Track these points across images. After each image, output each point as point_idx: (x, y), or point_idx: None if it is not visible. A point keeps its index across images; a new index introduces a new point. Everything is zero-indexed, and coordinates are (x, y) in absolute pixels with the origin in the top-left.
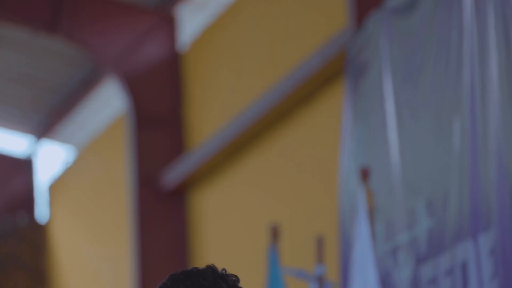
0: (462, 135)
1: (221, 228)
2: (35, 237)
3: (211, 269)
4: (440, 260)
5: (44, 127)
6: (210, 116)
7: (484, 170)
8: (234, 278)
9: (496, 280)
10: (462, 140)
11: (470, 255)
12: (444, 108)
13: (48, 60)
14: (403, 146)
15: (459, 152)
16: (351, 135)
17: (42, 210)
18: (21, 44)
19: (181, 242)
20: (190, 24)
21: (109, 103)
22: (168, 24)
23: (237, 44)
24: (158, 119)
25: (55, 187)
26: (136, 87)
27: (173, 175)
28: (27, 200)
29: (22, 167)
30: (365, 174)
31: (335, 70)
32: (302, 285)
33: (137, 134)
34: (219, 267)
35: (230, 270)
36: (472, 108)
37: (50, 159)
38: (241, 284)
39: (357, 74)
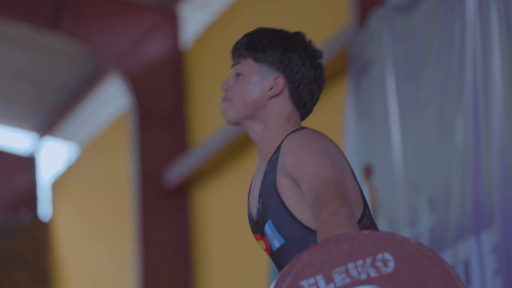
0: (465, 132)
1: (224, 225)
2: (38, 235)
3: (300, 33)
4: (443, 257)
5: (47, 124)
6: (213, 113)
7: (487, 168)
8: (318, 53)
9: (499, 278)
10: (464, 138)
11: (472, 252)
12: (446, 106)
13: (50, 58)
14: (405, 143)
15: (462, 149)
16: (353, 132)
17: (44, 208)
18: (23, 42)
19: (184, 240)
20: (192, 22)
21: (111, 100)
22: (171, 22)
23: None
24: (161, 116)
25: (57, 185)
26: (138, 85)
27: (176, 172)
28: (30, 198)
29: (25, 165)
30: (367, 172)
31: (338, 67)
32: None
33: (139, 132)
34: (222, 265)
35: (233, 267)
36: (474, 105)
37: (52, 157)
38: (243, 281)
39: (360, 72)
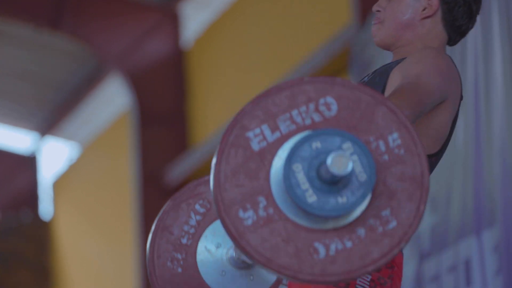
0: (466, 132)
1: None
2: (39, 234)
3: None
4: (443, 256)
5: (48, 124)
6: (214, 113)
7: (488, 167)
8: None
9: (500, 277)
10: (465, 137)
11: (473, 251)
12: None
13: (51, 57)
14: None
15: (463, 149)
16: None
17: (46, 207)
18: (24, 41)
19: None
20: (193, 21)
21: (112, 100)
22: (172, 21)
23: (241, 41)
24: (162, 116)
25: (59, 184)
26: (139, 84)
27: (177, 172)
28: (31, 197)
29: (26, 164)
30: None
31: (339, 66)
32: None
33: (140, 131)
34: None
35: None
36: (475, 105)
37: (54, 156)
38: None
39: (361, 71)
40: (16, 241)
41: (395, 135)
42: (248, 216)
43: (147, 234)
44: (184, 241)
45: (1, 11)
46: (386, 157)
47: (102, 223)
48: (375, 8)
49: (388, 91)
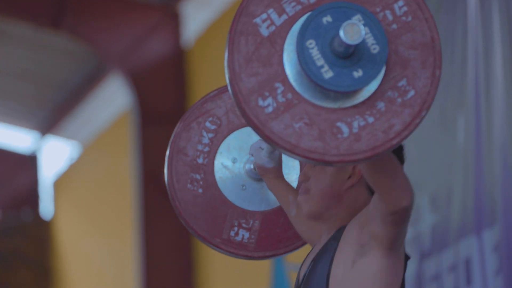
0: (467, 131)
1: None
2: (40, 233)
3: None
4: (444, 256)
5: (49, 123)
6: None
7: (489, 166)
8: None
9: (500, 276)
10: (466, 136)
11: (474, 251)
12: (448, 104)
13: (52, 56)
14: (407, 141)
15: (464, 148)
16: None
17: (46, 206)
18: (25, 41)
19: (185, 237)
20: (194, 21)
21: (113, 99)
22: (173, 20)
23: None
24: (163, 115)
25: (59, 183)
26: (140, 83)
27: None
28: (32, 196)
29: (27, 163)
30: None
31: None
32: None
33: (141, 130)
34: (224, 262)
35: (234, 266)
36: (476, 104)
37: (54, 155)
38: (245, 279)
39: None
40: (16, 241)
41: (401, 2)
42: (268, 104)
43: (147, 233)
44: (200, 160)
45: (2, 11)
46: (394, 26)
47: (103, 222)
48: (300, 178)
49: (333, 276)
